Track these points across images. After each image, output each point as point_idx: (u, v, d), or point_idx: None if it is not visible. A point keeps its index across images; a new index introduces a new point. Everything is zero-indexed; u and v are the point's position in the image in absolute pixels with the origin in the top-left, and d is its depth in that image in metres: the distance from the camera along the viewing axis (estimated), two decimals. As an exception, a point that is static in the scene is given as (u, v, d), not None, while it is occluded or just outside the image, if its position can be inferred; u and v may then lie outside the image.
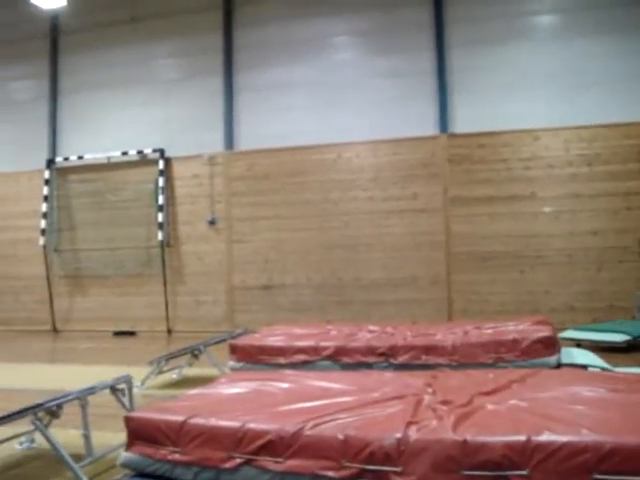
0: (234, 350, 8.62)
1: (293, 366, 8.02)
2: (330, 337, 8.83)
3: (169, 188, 15.96)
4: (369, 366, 7.90)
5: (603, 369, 7.32)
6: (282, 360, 8.29)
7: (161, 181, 15.78)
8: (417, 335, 8.52)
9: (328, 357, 8.21)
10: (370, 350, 8.13)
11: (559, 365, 7.54)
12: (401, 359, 7.95)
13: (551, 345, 7.67)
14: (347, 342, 8.40)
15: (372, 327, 9.37)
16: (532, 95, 13.83)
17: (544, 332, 7.86)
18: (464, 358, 7.74)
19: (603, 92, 13.41)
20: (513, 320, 9.13)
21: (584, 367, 7.39)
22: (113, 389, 6.06)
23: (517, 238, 13.69)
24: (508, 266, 13.73)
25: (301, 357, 8.29)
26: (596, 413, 4.07)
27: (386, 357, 8.02)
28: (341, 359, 8.16)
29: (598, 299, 13.17)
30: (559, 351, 7.76)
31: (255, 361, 8.42)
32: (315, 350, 8.30)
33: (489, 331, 8.32)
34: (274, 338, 8.85)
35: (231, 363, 8.57)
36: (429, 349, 7.95)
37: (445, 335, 8.30)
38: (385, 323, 9.91)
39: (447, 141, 14.18)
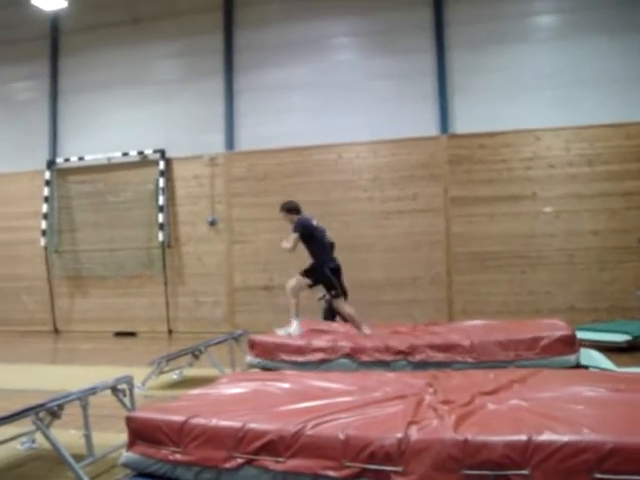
0: (253, 345, 8.61)
1: (311, 364, 8.08)
2: (348, 335, 8.83)
3: (170, 189, 15.96)
4: (387, 364, 7.89)
5: (607, 370, 7.30)
6: (300, 358, 8.28)
7: (162, 182, 15.79)
8: (434, 333, 8.52)
9: (346, 355, 8.19)
10: (388, 348, 8.11)
11: (578, 364, 7.51)
12: (419, 357, 7.93)
13: (570, 343, 7.62)
14: (364, 340, 8.40)
15: (389, 326, 9.41)
16: (533, 95, 13.83)
17: (563, 331, 7.82)
18: (483, 356, 7.70)
19: (604, 92, 13.41)
20: (531, 320, 9.16)
21: (585, 367, 7.39)
22: (114, 389, 6.06)
23: (518, 238, 13.69)
24: (508, 266, 13.73)
25: (319, 355, 8.26)
26: (597, 413, 4.07)
27: (404, 355, 8.00)
28: (359, 357, 8.13)
29: (599, 299, 13.18)
30: (578, 350, 7.72)
31: (272, 358, 8.42)
32: (333, 349, 8.28)
33: (507, 329, 8.31)
34: (293, 336, 8.86)
35: (248, 358, 8.55)
36: (447, 347, 7.93)
37: (463, 333, 8.30)
38: (401, 322, 9.90)
39: (447, 142, 14.18)
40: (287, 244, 9.13)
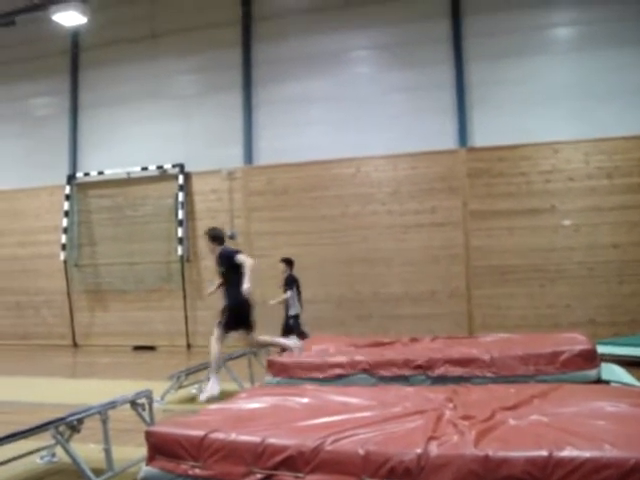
0: (271, 365, 8.57)
1: (329, 380, 7.98)
2: (366, 350, 8.79)
3: (188, 203, 16.02)
4: (406, 379, 7.82)
5: (628, 385, 7.23)
6: (318, 375, 8.18)
7: (181, 196, 15.85)
8: (454, 347, 8.46)
9: (364, 370, 8.12)
10: (407, 363, 8.04)
11: (599, 379, 7.44)
12: (438, 372, 7.85)
13: (591, 358, 7.53)
14: (383, 355, 8.35)
15: (407, 340, 9.33)
16: (551, 108, 13.79)
17: (584, 345, 7.75)
18: (503, 370, 7.60)
19: (623, 104, 13.35)
20: (551, 334, 9.08)
21: (606, 382, 7.33)
22: (133, 404, 6.08)
23: (537, 252, 13.62)
24: (528, 280, 13.65)
25: (337, 371, 8.17)
26: (619, 428, 4.03)
27: (423, 370, 7.91)
28: (377, 372, 8.06)
29: (620, 313, 13.07)
30: (599, 364, 7.64)
31: (291, 376, 8.30)
32: (351, 364, 8.23)
33: (527, 343, 8.23)
34: (310, 353, 8.81)
35: (267, 378, 8.49)
36: (467, 362, 7.84)
37: (483, 347, 8.23)
38: (421, 336, 9.78)
39: (466, 155, 14.16)
40: (248, 261, 8.63)
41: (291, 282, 12.37)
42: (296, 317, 12.26)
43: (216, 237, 9.11)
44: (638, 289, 13.08)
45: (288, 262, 12.62)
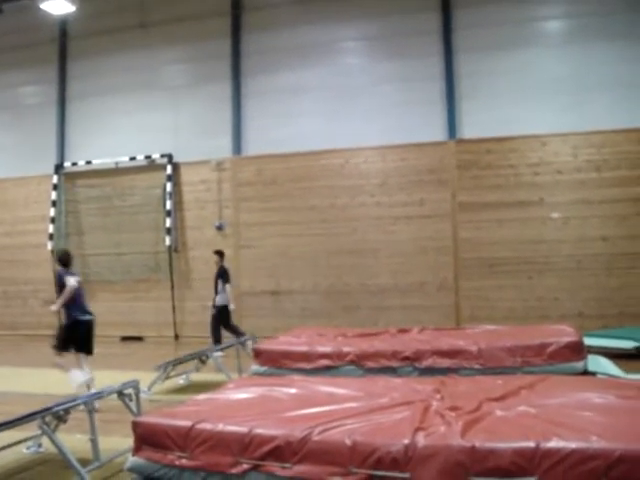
0: (258, 354, 8.54)
1: (317, 371, 7.94)
2: (353, 342, 8.76)
3: (177, 193, 15.97)
4: (393, 370, 7.79)
5: (615, 376, 7.25)
6: (306, 365, 8.16)
7: (169, 186, 15.80)
8: (442, 338, 8.45)
9: (352, 362, 8.10)
10: (394, 354, 8.02)
11: (586, 371, 7.46)
12: (426, 363, 7.83)
13: (578, 350, 7.54)
14: (371, 346, 8.33)
15: (395, 331, 9.30)
16: (540, 100, 13.80)
17: (571, 337, 7.76)
18: (490, 362, 7.59)
19: (612, 97, 13.36)
20: (538, 326, 9.10)
21: (592, 373, 7.35)
22: (120, 394, 6.06)
23: (525, 244, 13.63)
24: (516, 272, 13.67)
25: (324, 362, 8.14)
26: (605, 420, 4.04)
27: (411, 361, 7.89)
28: (365, 364, 8.04)
29: (608, 305, 13.10)
30: (586, 356, 7.65)
31: (279, 365, 8.28)
32: (339, 355, 8.20)
33: (515, 335, 8.24)
34: (298, 342, 8.77)
35: (254, 367, 8.46)
36: (454, 353, 7.82)
37: (470, 339, 8.21)
38: (409, 327, 9.74)
39: (455, 147, 14.15)
40: (69, 285, 8.76)
41: (224, 274, 12.99)
42: (225, 308, 12.85)
43: (59, 259, 9.21)
44: (626, 282, 13.12)
45: (221, 254, 13.32)
